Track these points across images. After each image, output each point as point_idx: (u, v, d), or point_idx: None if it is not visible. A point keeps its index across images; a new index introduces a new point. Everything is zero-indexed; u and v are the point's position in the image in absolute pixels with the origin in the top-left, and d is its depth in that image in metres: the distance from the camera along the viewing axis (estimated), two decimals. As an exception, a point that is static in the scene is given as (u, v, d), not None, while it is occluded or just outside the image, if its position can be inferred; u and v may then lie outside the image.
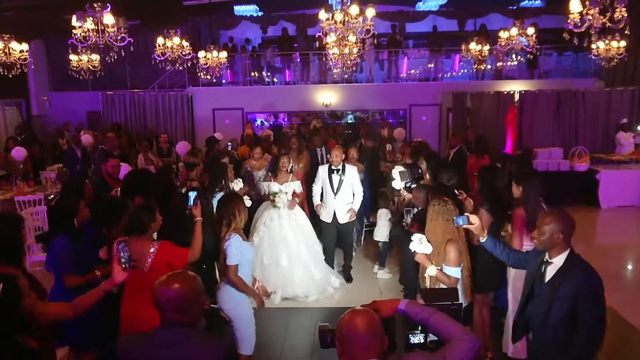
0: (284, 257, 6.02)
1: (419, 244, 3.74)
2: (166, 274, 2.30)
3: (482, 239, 3.42)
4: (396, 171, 5.55)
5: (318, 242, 6.48)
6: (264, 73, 16.12)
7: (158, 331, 2.25)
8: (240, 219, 3.90)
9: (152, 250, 3.42)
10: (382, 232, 6.71)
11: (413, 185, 5.02)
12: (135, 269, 2.86)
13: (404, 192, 5.42)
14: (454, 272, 3.71)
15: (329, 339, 2.12)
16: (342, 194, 6.27)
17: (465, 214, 3.42)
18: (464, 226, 3.39)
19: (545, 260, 3.05)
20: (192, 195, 3.94)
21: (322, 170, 6.43)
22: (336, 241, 6.64)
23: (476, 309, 4.50)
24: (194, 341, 2.20)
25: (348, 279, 6.59)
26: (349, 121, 16.52)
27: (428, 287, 3.84)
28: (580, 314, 2.82)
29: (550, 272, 3.01)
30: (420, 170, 5.27)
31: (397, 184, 5.53)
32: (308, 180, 7.38)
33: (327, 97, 15.12)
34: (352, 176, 6.31)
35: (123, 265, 2.74)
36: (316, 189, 6.49)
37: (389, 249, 6.89)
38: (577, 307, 2.83)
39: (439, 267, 3.74)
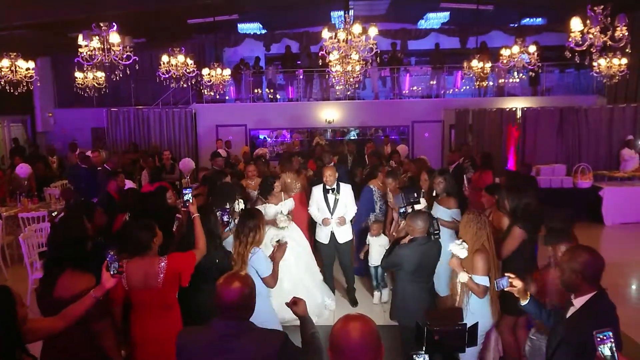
0: (286, 279, 5.78)
1: (458, 247, 3.77)
2: (224, 276, 2.50)
3: (524, 302, 3.07)
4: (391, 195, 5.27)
5: (316, 263, 6.33)
6: (266, 90, 16.25)
7: (216, 323, 2.42)
8: (263, 233, 4.15)
9: (162, 264, 3.38)
10: (375, 256, 6.36)
11: (408, 211, 4.59)
12: (122, 274, 2.98)
13: (399, 217, 4.93)
14: (483, 280, 3.73)
15: None
16: (339, 213, 6.11)
17: (507, 275, 3.10)
18: (506, 289, 3.08)
19: (570, 300, 2.80)
20: (188, 192, 3.96)
21: (317, 190, 6.25)
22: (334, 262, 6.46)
23: (509, 333, 4.38)
24: (252, 333, 2.41)
25: (353, 302, 6.40)
26: (352, 137, 16.59)
27: (459, 295, 3.90)
28: None
29: (569, 314, 2.76)
30: (416, 195, 4.81)
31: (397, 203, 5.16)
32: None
33: (329, 114, 15.20)
34: (347, 194, 6.19)
35: (112, 272, 2.87)
36: (313, 211, 6.30)
37: (383, 273, 6.51)
38: None
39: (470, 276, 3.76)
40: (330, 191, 6.11)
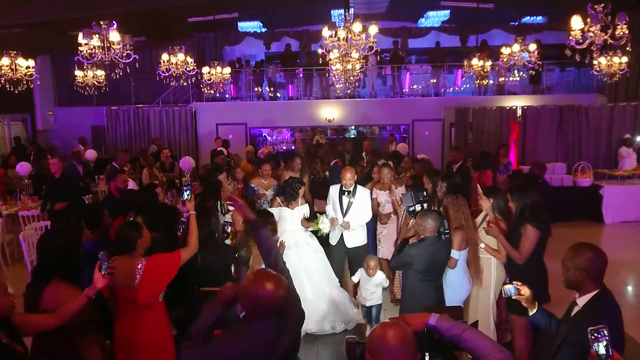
0: (309, 289, 5.44)
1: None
2: (253, 274, 2.44)
3: (532, 313, 2.92)
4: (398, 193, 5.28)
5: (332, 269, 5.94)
6: (267, 88, 16.23)
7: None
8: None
9: (139, 266, 3.32)
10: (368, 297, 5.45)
11: (417, 209, 4.46)
12: (112, 275, 3.06)
13: (407, 217, 4.79)
14: (454, 254, 4.37)
15: (358, 352, 2.13)
16: (350, 216, 5.82)
17: (514, 282, 2.93)
18: (513, 297, 2.92)
19: (574, 299, 2.75)
20: (187, 189, 3.97)
21: (334, 190, 5.99)
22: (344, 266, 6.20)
23: (521, 335, 4.33)
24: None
25: (355, 305, 6.20)
26: (352, 136, 16.59)
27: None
28: None
29: (573, 314, 2.73)
30: (425, 193, 4.71)
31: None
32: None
33: (330, 112, 15.19)
34: (362, 198, 5.92)
35: (102, 272, 2.98)
36: (329, 209, 6.03)
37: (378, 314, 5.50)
38: None
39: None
40: (346, 193, 5.86)
